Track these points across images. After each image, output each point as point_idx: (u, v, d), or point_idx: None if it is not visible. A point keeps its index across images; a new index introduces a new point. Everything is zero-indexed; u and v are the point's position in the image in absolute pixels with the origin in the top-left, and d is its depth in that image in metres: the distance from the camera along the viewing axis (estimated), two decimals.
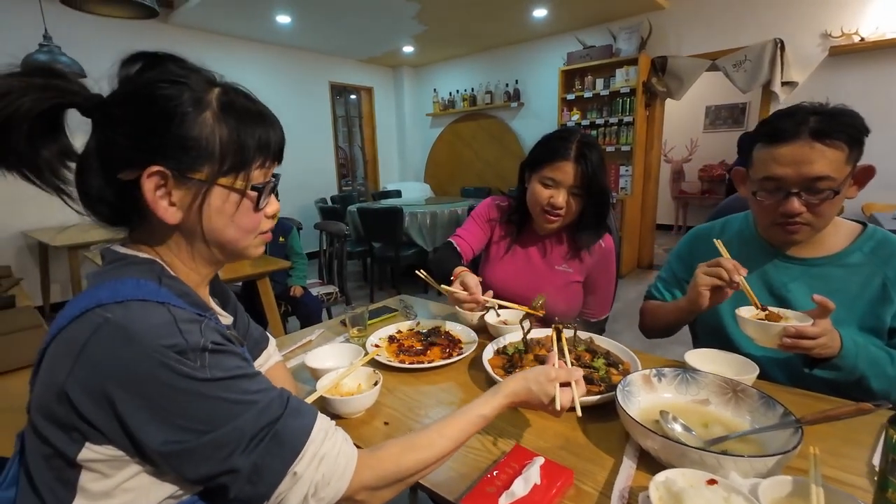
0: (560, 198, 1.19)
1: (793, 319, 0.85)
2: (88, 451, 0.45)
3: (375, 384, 0.84)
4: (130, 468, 0.47)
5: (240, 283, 2.66)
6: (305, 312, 2.61)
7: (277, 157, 0.61)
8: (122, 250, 0.56)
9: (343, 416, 0.82)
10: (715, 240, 0.98)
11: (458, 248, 1.31)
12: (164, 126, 0.51)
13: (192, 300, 0.55)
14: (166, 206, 0.53)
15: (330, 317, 2.85)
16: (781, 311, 0.88)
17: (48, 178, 0.50)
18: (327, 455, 0.51)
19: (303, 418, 0.52)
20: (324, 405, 0.81)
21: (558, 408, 0.66)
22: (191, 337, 0.46)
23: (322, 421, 0.54)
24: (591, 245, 1.28)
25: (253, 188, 0.57)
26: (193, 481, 0.48)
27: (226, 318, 0.67)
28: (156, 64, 0.53)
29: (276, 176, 0.61)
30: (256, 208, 0.58)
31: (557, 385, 0.68)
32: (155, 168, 0.51)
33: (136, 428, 0.44)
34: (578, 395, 0.69)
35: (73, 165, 0.52)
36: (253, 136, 0.56)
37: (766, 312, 0.88)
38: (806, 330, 0.78)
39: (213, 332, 0.50)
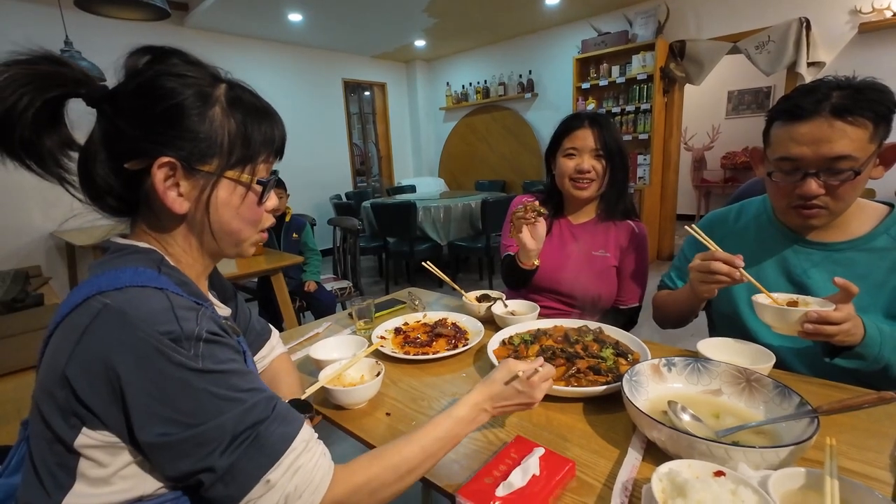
0: (585, 162, 1.25)
1: (813, 305, 0.81)
2: (85, 437, 0.45)
3: (378, 375, 0.83)
4: (125, 455, 0.47)
5: (255, 279, 2.71)
6: (320, 307, 2.63)
7: (280, 152, 0.63)
8: (123, 241, 0.56)
9: (345, 407, 0.82)
10: (689, 226, 0.93)
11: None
12: (175, 119, 0.52)
13: (191, 290, 0.56)
14: (175, 196, 0.54)
15: None
16: (800, 297, 0.84)
17: (51, 167, 0.52)
18: (303, 467, 0.50)
19: (287, 425, 0.51)
20: (325, 395, 0.81)
21: (521, 375, 0.65)
22: (186, 324, 0.47)
23: (305, 431, 0.53)
24: (618, 211, 1.31)
25: (258, 182, 0.59)
26: (170, 478, 0.47)
27: (223, 310, 0.67)
28: (164, 58, 0.54)
29: (275, 172, 0.63)
30: (260, 202, 0.60)
31: (519, 366, 0.67)
32: (165, 159, 0.52)
33: (132, 410, 0.44)
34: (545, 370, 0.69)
35: (73, 155, 0.53)
36: (259, 131, 0.57)
37: (785, 299, 0.84)
38: (829, 315, 0.73)
39: (209, 321, 0.50)
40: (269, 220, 0.64)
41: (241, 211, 0.58)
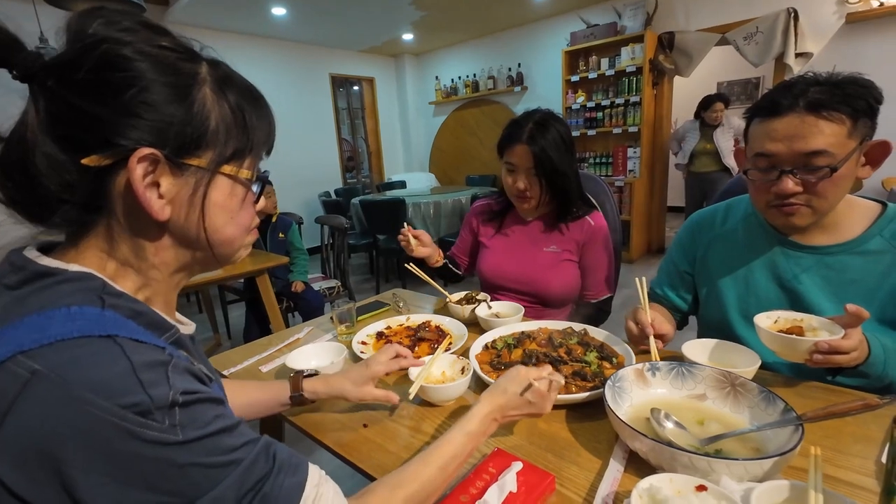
0: (520, 181, 1.22)
1: (818, 327, 0.75)
2: None
3: (463, 371, 0.86)
4: None
5: (242, 281, 2.67)
6: (307, 308, 2.59)
7: (272, 145, 0.54)
8: (44, 262, 0.42)
9: (436, 404, 0.83)
10: (638, 279, 0.96)
11: (455, 259, 1.51)
12: (156, 100, 0.41)
13: (149, 319, 0.44)
14: (156, 198, 0.43)
15: None
16: (804, 317, 0.79)
17: None
18: None
19: (294, 475, 0.44)
20: (419, 393, 0.81)
21: (536, 385, 0.66)
22: (156, 391, 0.36)
23: (314, 475, 0.46)
24: (566, 221, 1.30)
25: (259, 178, 0.51)
26: None
27: (187, 327, 0.55)
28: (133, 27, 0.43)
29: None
30: (256, 201, 0.53)
31: (531, 374, 0.67)
32: (146, 151, 0.41)
33: (95, 502, 0.35)
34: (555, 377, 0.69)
35: None
36: (260, 117, 0.50)
37: (785, 321, 0.79)
38: (840, 344, 0.68)
39: (182, 376, 0.40)
40: (256, 221, 0.56)
41: (237, 215, 0.49)
